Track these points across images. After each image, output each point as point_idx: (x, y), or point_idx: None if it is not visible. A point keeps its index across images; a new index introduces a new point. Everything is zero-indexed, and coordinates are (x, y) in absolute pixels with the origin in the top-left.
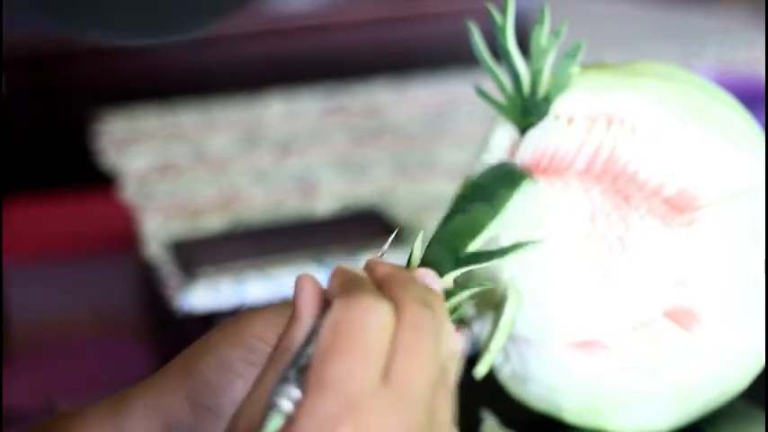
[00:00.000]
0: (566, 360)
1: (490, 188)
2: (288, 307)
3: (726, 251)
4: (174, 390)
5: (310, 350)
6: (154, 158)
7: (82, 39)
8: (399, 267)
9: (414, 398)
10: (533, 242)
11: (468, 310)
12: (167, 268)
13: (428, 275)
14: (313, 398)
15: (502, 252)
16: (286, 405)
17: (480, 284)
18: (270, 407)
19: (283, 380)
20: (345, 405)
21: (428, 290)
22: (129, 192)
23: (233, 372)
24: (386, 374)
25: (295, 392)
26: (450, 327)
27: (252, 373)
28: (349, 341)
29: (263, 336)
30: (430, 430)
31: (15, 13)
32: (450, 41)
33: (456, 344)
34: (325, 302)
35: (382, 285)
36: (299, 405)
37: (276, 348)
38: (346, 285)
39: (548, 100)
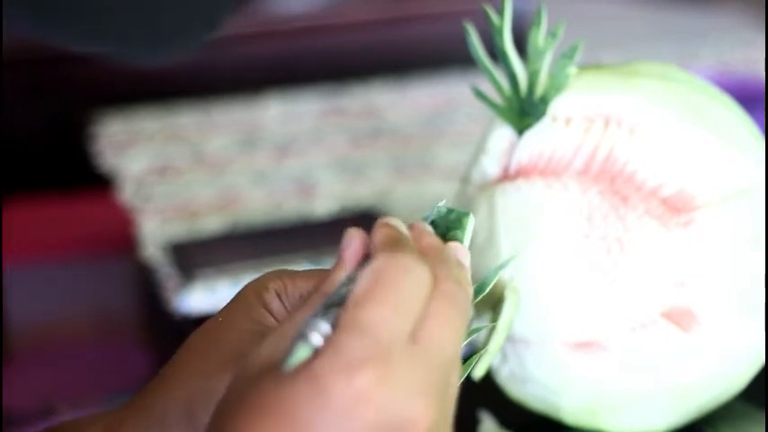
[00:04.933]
0: (564, 361)
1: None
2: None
3: (724, 251)
4: (172, 430)
5: (344, 291)
6: (152, 160)
7: (80, 52)
8: (442, 243)
9: (437, 362)
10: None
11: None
12: (165, 270)
13: (460, 250)
14: (343, 336)
15: (481, 288)
16: (315, 338)
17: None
18: (299, 337)
19: (315, 315)
20: (373, 349)
21: (460, 266)
22: (128, 193)
23: None
24: (415, 334)
25: (325, 327)
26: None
27: None
28: (387, 291)
29: None
30: (443, 400)
31: (15, 27)
32: (447, 42)
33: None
34: (367, 255)
35: (424, 255)
36: (327, 340)
37: (314, 291)
38: (393, 242)
39: (545, 101)
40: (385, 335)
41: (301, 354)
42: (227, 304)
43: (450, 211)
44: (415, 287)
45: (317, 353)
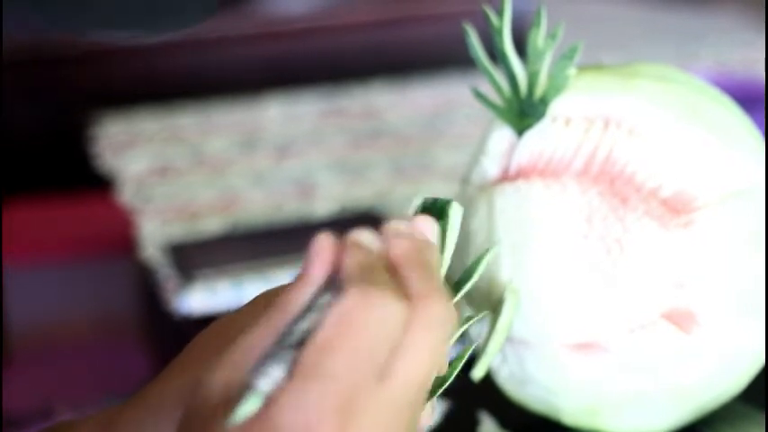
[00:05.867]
0: (564, 362)
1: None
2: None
3: (723, 252)
4: (168, 424)
5: (304, 326)
6: (152, 161)
7: (78, 36)
8: (416, 243)
9: (407, 400)
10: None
11: (465, 311)
12: (165, 271)
13: (427, 224)
14: (304, 382)
15: (467, 278)
16: (265, 385)
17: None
18: (247, 386)
19: (266, 357)
20: (338, 396)
21: (430, 246)
22: (127, 195)
23: None
24: (384, 371)
25: (277, 372)
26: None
27: None
28: (357, 335)
29: None
30: (409, 429)
31: (13, 11)
32: (447, 44)
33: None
34: (335, 269)
35: (398, 266)
36: (282, 387)
37: (275, 306)
38: (365, 271)
39: (545, 102)
40: (349, 382)
41: (249, 407)
42: (238, 309)
43: (434, 201)
44: (389, 327)
45: (273, 400)
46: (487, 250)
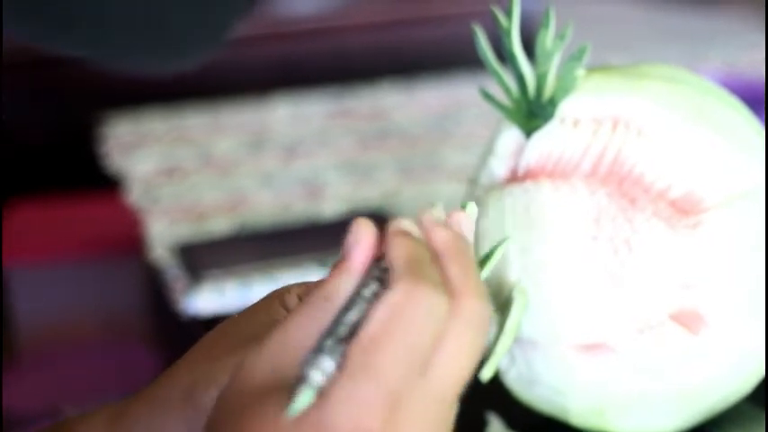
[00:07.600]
0: (572, 363)
1: None
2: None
3: (732, 253)
4: (176, 418)
5: (352, 317)
6: (160, 162)
7: (84, 61)
8: (456, 234)
9: (448, 394)
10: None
11: None
12: (173, 271)
13: (464, 221)
14: (354, 378)
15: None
16: (318, 378)
17: None
18: (301, 379)
19: (318, 350)
20: (384, 395)
21: (464, 238)
22: (135, 195)
23: None
24: (426, 366)
25: (329, 365)
26: None
27: None
28: (404, 331)
29: None
30: (444, 426)
31: (16, 36)
32: (455, 44)
33: None
34: (377, 258)
35: (440, 257)
36: (334, 382)
37: (316, 293)
38: (412, 264)
39: (553, 103)
40: (398, 378)
41: (304, 399)
42: (250, 306)
43: None
44: (431, 323)
45: (325, 395)
46: (499, 243)
